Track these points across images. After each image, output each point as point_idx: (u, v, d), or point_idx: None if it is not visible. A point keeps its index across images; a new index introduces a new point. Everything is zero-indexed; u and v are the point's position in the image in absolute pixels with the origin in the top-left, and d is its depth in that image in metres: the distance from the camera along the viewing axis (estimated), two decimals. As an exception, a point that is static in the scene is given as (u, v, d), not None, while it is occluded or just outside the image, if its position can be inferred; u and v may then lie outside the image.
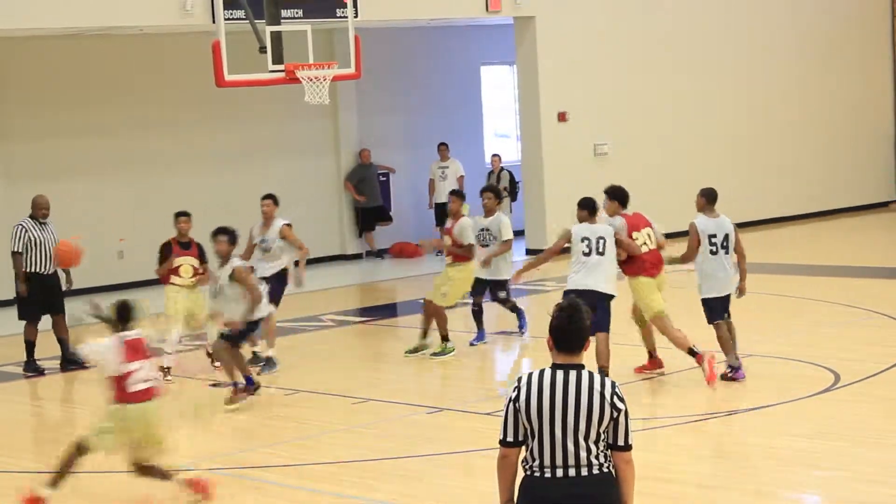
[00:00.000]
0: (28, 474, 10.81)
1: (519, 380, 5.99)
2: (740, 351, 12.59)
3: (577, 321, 5.94)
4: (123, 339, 9.29)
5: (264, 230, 14.57)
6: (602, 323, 12.09)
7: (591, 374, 5.93)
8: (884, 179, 27.42)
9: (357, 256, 23.86)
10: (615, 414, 5.89)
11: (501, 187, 22.74)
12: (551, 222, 19.51)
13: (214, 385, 13.56)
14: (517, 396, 5.93)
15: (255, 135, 22.50)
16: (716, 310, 12.52)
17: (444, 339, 14.48)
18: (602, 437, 5.89)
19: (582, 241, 12.47)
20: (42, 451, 11.78)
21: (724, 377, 12.40)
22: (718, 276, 12.53)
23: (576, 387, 5.88)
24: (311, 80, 16.01)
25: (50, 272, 14.92)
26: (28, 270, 14.80)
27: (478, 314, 15.02)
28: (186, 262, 14.20)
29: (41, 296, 14.82)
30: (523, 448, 5.97)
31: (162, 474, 9.47)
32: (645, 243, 12.71)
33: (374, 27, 21.25)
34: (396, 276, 21.61)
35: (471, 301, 15.04)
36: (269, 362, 14.16)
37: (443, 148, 23.84)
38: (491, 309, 15.54)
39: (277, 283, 14.47)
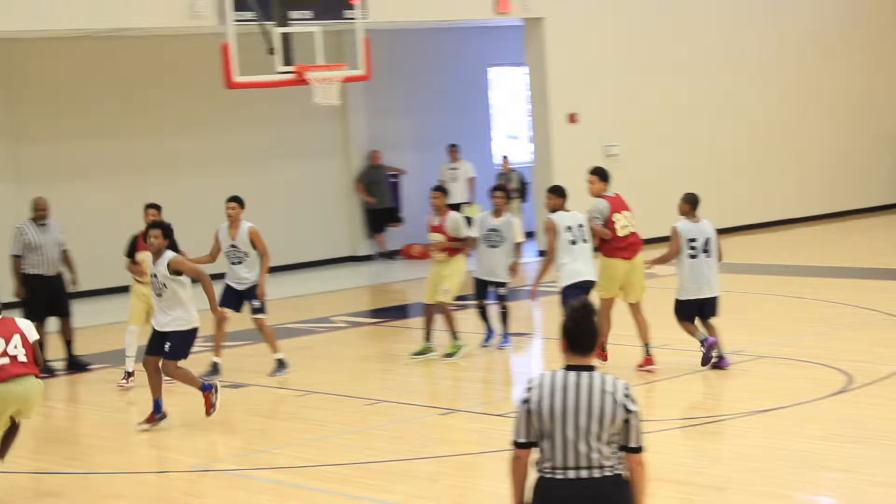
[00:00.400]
0: (28, 474, 10.82)
1: (531, 381, 6.01)
2: (752, 352, 12.54)
3: (590, 323, 5.98)
4: None
5: (232, 233, 14.20)
6: None
7: (603, 376, 5.95)
8: (894, 181, 27.34)
9: (368, 258, 23.86)
10: (627, 415, 5.90)
11: (511, 188, 22.72)
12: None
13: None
14: (530, 398, 5.95)
15: (265, 136, 22.49)
16: (683, 311, 12.86)
17: (454, 336, 14.44)
18: (614, 438, 5.90)
19: (567, 229, 12.73)
20: (42, 450, 11.74)
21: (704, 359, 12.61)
22: (695, 279, 12.79)
23: (588, 388, 5.89)
24: (320, 81, 16.02)
25: (52, 274, 14.88)
26: (28, 273, 14.77)
27: (483, 314, 14.99)
28: (147, 258, 13.07)
29: (44, 297, 14.77)
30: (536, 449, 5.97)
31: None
32: (626, 226, 12.95)
33: (383, 28, 21.24)
34: (407, 277, 21.58)
35: (474, 303, 15.02)
36: (280, 364, 14.13)
37: (453, 149, 23.84)
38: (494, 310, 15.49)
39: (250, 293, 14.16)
